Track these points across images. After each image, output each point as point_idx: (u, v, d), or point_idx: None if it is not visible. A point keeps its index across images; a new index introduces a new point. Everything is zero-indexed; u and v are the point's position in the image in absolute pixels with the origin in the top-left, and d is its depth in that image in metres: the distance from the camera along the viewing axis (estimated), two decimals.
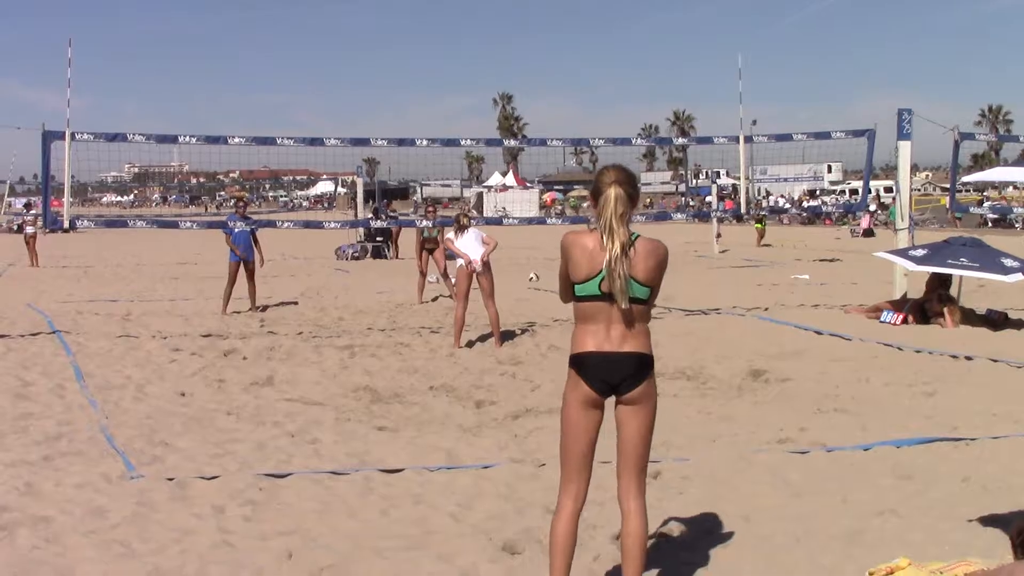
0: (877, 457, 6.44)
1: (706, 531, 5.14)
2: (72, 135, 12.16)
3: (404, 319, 13.92)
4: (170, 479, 6.03)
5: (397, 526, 5.29)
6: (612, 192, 3.90)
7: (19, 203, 51.29)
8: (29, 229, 27.35)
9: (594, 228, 3.94)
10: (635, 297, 3.89)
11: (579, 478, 4.02)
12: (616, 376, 3.92)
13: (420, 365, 10.26)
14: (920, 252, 12.68)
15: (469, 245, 11.42)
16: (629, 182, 3.96)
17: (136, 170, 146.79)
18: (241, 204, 16.09)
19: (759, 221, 34.76)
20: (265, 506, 5.60)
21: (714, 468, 6.20)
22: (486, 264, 11.42)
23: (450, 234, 11.75)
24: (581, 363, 3.95)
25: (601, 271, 3.86)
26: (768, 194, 70.37)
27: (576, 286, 3.94)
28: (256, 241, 15.03)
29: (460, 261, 11.51)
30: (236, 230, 14.55)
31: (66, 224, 12.95)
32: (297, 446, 7.00)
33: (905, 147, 13.55)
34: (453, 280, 13.61)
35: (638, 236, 3.92)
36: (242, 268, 14.70)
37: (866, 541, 4.90)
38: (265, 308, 15.01)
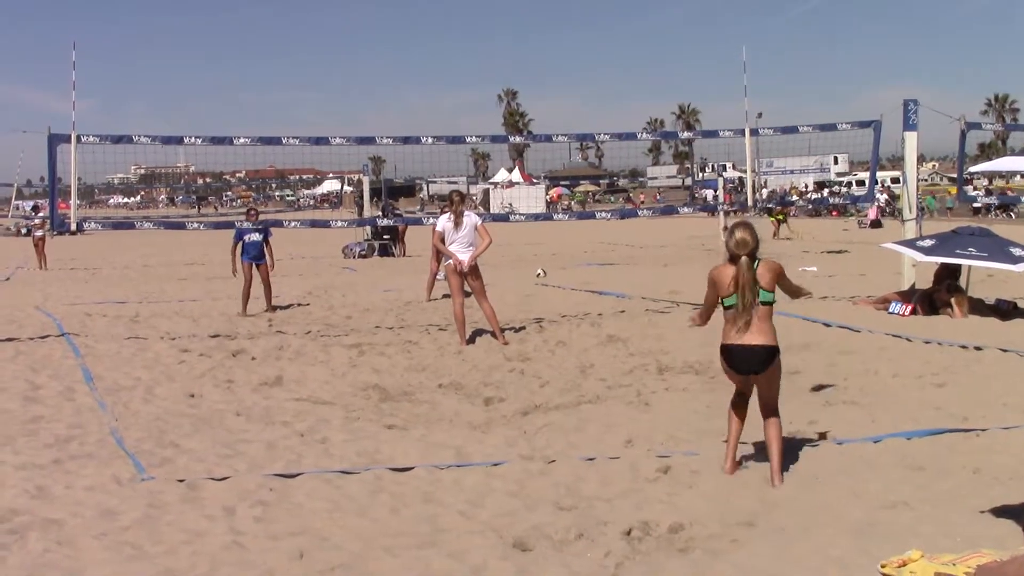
0: (887, 449, 6.43)
1: (716, 523, 5.13)
2: (78, 137, 12.17)
3: (412, 317, 13.92)
4: (180, 480, 6.05)
5: (407, 524, 5.30)
6: (743, 262, 5.73)
7: (27, 206, 51.47)
8: (37, 232, 27.46)
9: (727, 264, 5.85)
10: (763, 301, 5.74)
11: (743, 404, 6.06)
12: (751, 365, 5.78)
13: (429, 363, 10.27)
14: (928, 242, 12.63)
15: (461, 242, 11.32)
16: (754, 245, 5.75)
17: (142, 171, 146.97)
18: (253, 212, 16.01)
19: (770, 213, 34.32)
20: (275, 506, 5.62)
21: (724, 461, 6.18)
22: (474, 266, 11.29)
23: (444, 223, 11.40)
24: (726, 352, 5.86)
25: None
26: (764, 186, 69.90)
27: (723, 299, 5.85)
28: (268, 246, 15.02)
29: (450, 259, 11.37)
30: (247, 241, 14.78)
31: (73, 226, 12.98)
32: (307, 446, 7.01)
33: (911, 138, 13.47)
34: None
35: (760, 261, 5.76)
36: (255, 270, 14.81)
37: (877, 533, 4.89)
38: (285, 307, 15.04)
